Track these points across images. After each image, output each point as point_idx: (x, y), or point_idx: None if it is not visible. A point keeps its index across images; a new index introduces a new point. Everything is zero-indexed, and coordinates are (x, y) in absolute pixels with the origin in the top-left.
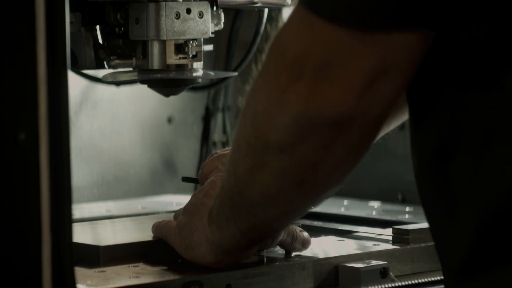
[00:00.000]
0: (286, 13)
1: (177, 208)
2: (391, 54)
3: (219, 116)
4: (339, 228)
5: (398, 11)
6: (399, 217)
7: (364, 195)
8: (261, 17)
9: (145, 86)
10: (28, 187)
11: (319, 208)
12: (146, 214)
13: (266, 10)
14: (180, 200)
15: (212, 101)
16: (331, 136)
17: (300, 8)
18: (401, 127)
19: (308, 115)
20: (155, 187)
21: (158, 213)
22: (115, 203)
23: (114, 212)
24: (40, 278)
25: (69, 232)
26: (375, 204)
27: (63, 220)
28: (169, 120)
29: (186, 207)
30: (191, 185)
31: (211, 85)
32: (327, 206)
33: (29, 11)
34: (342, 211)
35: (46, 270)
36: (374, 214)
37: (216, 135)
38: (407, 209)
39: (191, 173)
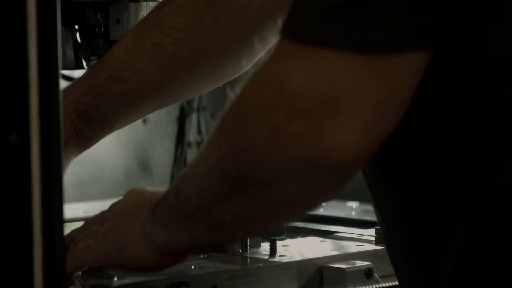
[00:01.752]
0: None
1: None
2: (401, 79)
3: (194, 117)
4: (321, 228)
5: (413, 28)
6: None
7: (341, 195)
8: None
9: None
10: (19, 188)
11: None
12: None
13: None
14: None
15: (186, 101)
16: (329, 176)
17: (290, 40)
18: None
19: (308, 157)
20: (130, 188)
21: None
22: (92, 204)
23: (92, 213)
24: (31, 280)
25: (60, 233)
26: (354, 204)
27: (54, 221)
28: (144, 120)
29: (105, 215)
30: (166, 186)
31: None
32: None
33: (21, 10)
34: (321, 211)
35: (37, 272)
36: (353, 215)
37: (191, 135)
38: None
39: (166, 174)
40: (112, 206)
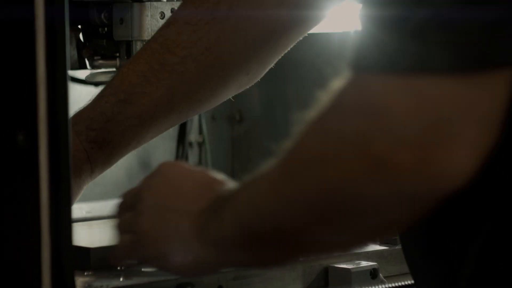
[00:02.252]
0: None
1: None
2: (504, 94)
3: (195, 117)
4: None
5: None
6: None
7: None
8: None
9: None
10: (27, 188)
11: None
12: None
13: None
14: None
15: None
16: (433, 203)
17: (381, 71)
18: None
19: (415, 188)
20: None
21: None
22: (93, 204)
23: (95, 213)
24: (39, 280)
25: (69, 234)
26: None
27: (62, 221)
28: None
29: (141, 196)
30: None
31: None
32: None
33: (29, 10)
34: None
35: (45, 272)
36: None
37: (193, 135)
38: None
39: None
40: (148, 187)
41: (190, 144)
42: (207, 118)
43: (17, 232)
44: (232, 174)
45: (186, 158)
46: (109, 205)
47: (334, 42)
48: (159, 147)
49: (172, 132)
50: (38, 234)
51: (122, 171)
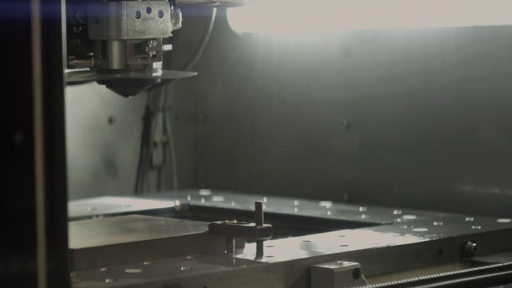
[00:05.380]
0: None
1: (126, 210)
2: None
3: (159, 117)
4: (302, 228)
5: None
6: (356, 218)
7: (310, 195)
8: (209, 16)
9: (85, 87)
10: (24, 187)
11: (272, 209)
12: (97, 215)
13: (215, 10)
14: (124, 203)
15: (152, 101)
16: None
17: None
18: (347, 127)
19: None
20: (97, 188)
21: (115, 214)
22: None
23: None
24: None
25: (64, 234)
26: (327, 204)
27: (58, 219)
28: (110, 120)
29: None
30: (131, 186)
31: (155, 86)
32: (279, 206)
33: (25, 11)
34: (296, 211)
35: (41, 271)
36: (329, 215)
37: (157, 135)
38: (360, 209)
39: (132, 174)
40: None
41: (155, 144)
42: (171, 118)
43: (13, 232)
44: (196, 173)
45: (151, 158)
46: (76, 205)
47: (298, 44)
48: (124, 147)
49: (136, 132)
50: (34, 233)
51: (87, 171)
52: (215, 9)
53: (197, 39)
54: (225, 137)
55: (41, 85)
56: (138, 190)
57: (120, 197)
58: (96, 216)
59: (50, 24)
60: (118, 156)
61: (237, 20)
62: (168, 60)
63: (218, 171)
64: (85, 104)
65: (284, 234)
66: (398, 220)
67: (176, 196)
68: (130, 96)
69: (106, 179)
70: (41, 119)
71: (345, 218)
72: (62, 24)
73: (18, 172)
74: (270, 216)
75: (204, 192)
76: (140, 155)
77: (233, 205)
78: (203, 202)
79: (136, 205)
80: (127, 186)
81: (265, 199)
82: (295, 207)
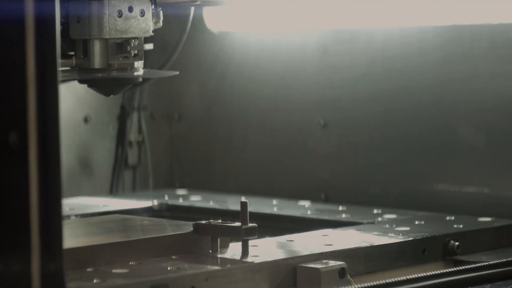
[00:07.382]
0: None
1: (104, 209)
2: None
3: (134, 116)
4: (283, 228)
5: None
6: (337, 217)
7: (287, 195)
8: (187, 15)
9: (61, 86)
10: (18, 187)
11: (251, 208)
12: (75, 215)
13: (192, 9)
14: (101, 203)
15: (127, 100)
16: None
17: None
18: (324, 126)
19: None
20: (72, 188)
21: (93, 214)
22: None
23: None
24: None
25: (59, 233)
26: (305, 203)
27: (52, 218)
28: (86, 119)
29: None
30: (107, 186)
31: (137, 85)
32: (258, 206)
33: (19, 10)
34: (275, 210)
35: (35, 271)
36: (309, 214)
37: (132, 135)
38: (340, 208)
39: (107, 173)
40: None
41: (130, 143)
42: (147, 117)
43: (8, 228)
44: (172, 173)
45: (126, 157)
46: None
47: (275, 43)
48: (99, 146)
49: (111, 132)
50: (28, 232)
51: (62, 170)
52: (193, 8)
53: (173, 38)
54: (201, 136)
55: (35, 85)
56: (113, 190)
57: (96, 197)
58: (75, 216)
59: (44, 23)
60: (93, 155)
61: (214, 19)
62: (144, 60)
63: (194, 171)
64: (60, 103)
65: (264, 234)
66: (379, 219)
67: (153, 195)
68: (112, 96)
69: (81, 178)
70: (35, 119)
71: (325, 217)
72: (56, 24)
73: (13, 172)
74: (250, 216)
75: (181, 192)
76: (116, 154)
77: (211, 204)
78: (181, 201)
79: (114, 205)
80: (102, 185)
81: (243, 199)
82: (274, 207)
